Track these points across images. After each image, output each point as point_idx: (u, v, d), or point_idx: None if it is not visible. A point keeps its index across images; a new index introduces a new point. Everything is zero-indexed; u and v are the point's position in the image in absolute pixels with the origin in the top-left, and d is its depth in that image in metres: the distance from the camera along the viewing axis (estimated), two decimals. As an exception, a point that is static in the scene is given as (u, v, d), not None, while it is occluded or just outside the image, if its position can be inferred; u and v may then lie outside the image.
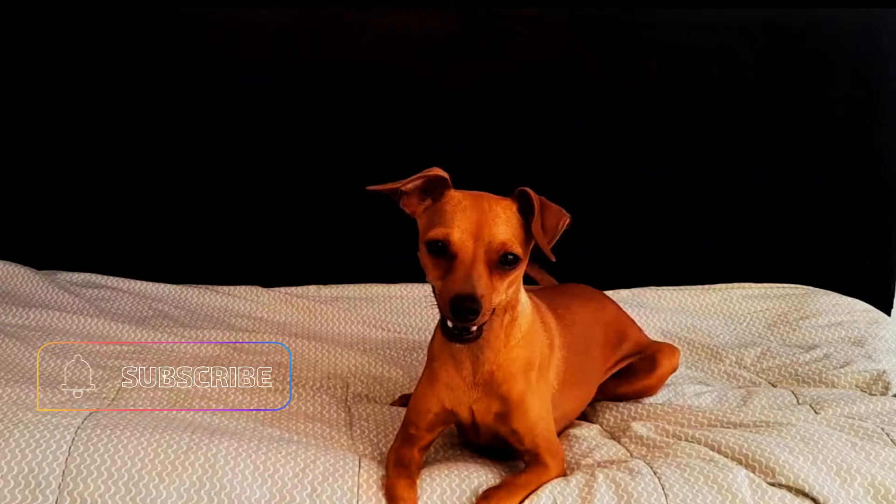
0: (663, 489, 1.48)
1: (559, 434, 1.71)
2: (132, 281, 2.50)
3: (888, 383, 2.00)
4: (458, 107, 2.49)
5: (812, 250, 2.56)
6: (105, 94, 2.50)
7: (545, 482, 1.52)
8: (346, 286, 2.53)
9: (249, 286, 2.51)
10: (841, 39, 2.47)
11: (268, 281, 2.53)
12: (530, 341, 1.58)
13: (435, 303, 1.45)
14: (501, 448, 1.61)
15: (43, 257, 2.54)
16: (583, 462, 1.64)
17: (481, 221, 1.42)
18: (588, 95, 2.44)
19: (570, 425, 1.81)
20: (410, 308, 2.44)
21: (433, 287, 1.45)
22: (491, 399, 1.56)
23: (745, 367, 2.17)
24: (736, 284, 2.53)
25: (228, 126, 2.52)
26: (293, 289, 2.52)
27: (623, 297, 2.45)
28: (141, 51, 2.49)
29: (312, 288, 2.54)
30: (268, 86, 2.48)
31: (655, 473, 1.52)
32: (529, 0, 2.45)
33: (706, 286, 2.52)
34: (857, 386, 2.02)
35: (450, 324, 1.41)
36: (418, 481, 1.50)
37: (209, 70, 2.48)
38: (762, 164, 2.54)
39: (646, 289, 2.51)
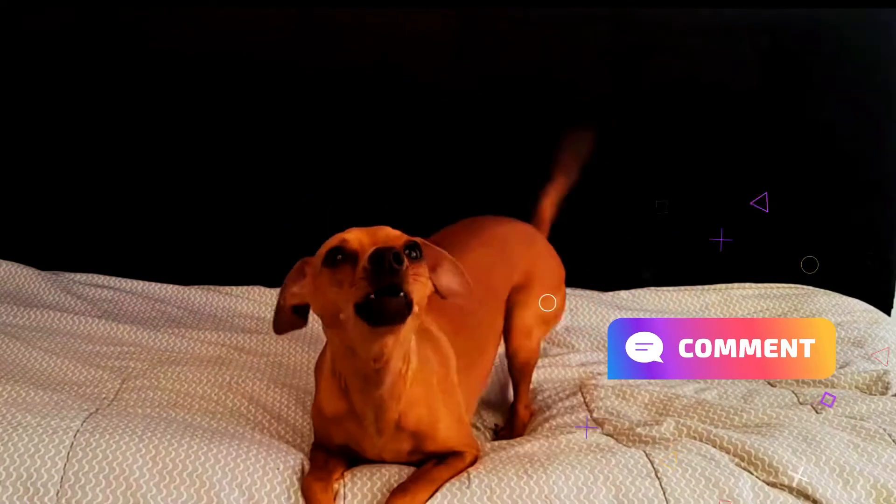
0: (664, 494, 1.48)
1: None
2: (135, 281, 2.51)
3: (888, 384, 1.99)
4: (458, 107, 2.49)
5: (812, 250, 2.55)
6: (107, 93, 2.51)
7: (461, 469, 1.51)
8: (347, 285, 2.53)
9: (252, 286, 2.52)
10: (842, 39, 2.46)
11: (270, 281, 2.54)
12: (425, 373, 1.50)
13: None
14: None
15: (46, 257, 2.55)
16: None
17: (371, 232, 1.35)
18: (588, 96, 2.44)
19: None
20: (411, 306, 2.45)
21: (332, 320, 1.34)
22: (400, 442, 1.51)
23: (744, 367, 2.17)
24: (736, 284, 2.52)
25: (229, 126, 2.52)
26: (296, 288, 2.52)
27: (623, 298, 2.46)
28: (141, 50, 2.49)
29: (315, 287, 2.54)
30: (268, 86, 2.48)
31: (656, 473, 1.52)
32: (529, 0, 2.45)
33: (706, 286, 2.51)
34: (856, 387, 2.01)
35: (371, 296, 1.24)
36: (341, 482, 1.49)
37: (209, 70, 2.48)
38: (762, 163, 2.53)
39: (646, 289, 2.50)
